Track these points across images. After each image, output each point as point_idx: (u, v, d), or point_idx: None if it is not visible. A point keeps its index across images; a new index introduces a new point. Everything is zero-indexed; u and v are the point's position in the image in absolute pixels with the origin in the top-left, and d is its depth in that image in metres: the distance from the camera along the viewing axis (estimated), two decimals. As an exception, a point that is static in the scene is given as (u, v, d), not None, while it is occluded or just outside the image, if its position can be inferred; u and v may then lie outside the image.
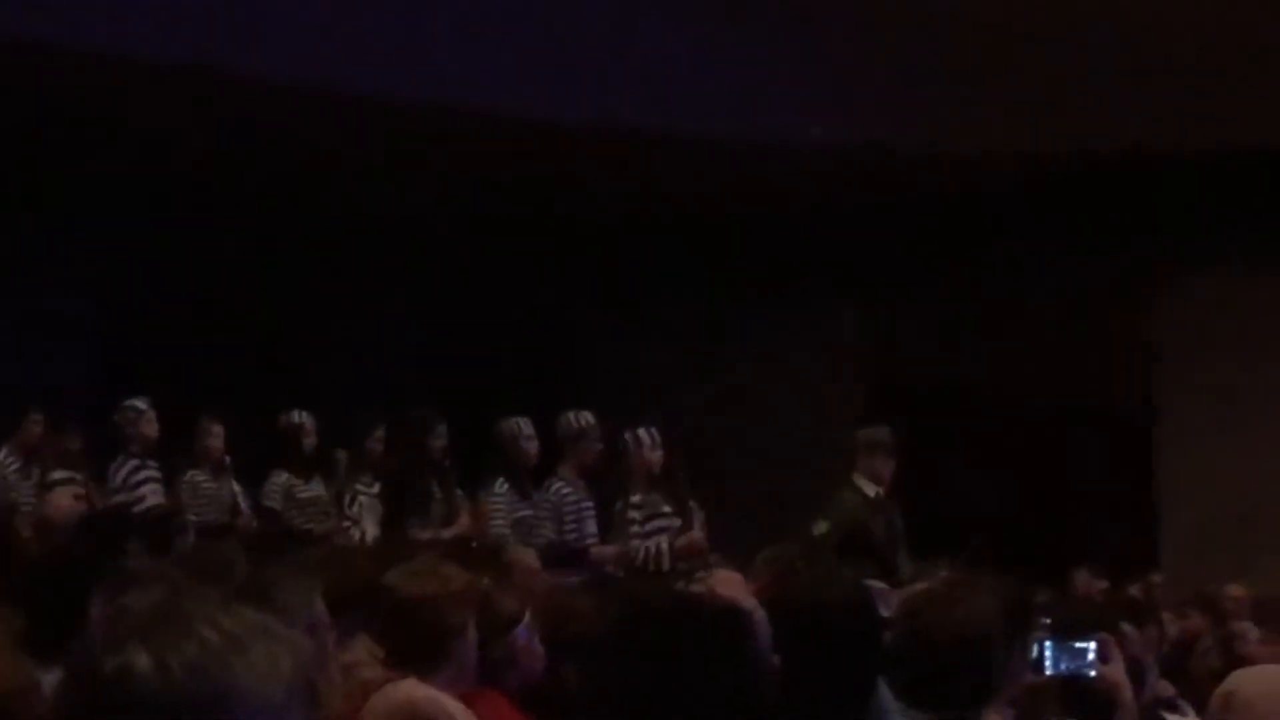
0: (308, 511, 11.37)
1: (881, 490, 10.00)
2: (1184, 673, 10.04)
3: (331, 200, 15.09)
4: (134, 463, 10.74)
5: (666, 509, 10.20)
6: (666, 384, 16.90)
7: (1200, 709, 8.30)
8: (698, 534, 10.20)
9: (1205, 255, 15.27)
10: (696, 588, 4.82)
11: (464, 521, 10.47)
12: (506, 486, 10.52)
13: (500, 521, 10.40)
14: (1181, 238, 15.18)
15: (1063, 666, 4.67)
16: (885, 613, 8.60)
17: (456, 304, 16.70)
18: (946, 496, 14.67)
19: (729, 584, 4.83)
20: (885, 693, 3.61)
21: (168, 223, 14.54)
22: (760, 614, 3.43)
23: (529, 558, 8.63)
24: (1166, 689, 8.08)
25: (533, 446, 10.62)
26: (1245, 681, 8.47)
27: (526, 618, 5.63)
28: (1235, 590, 12.09)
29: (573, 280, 17.03)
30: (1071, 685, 4.83)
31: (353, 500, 11.20)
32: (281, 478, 11.51)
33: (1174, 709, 7.95)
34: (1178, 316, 15.74)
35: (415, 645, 4.84)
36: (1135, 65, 13.33)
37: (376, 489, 11.20)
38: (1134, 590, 12.29)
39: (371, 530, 10.86)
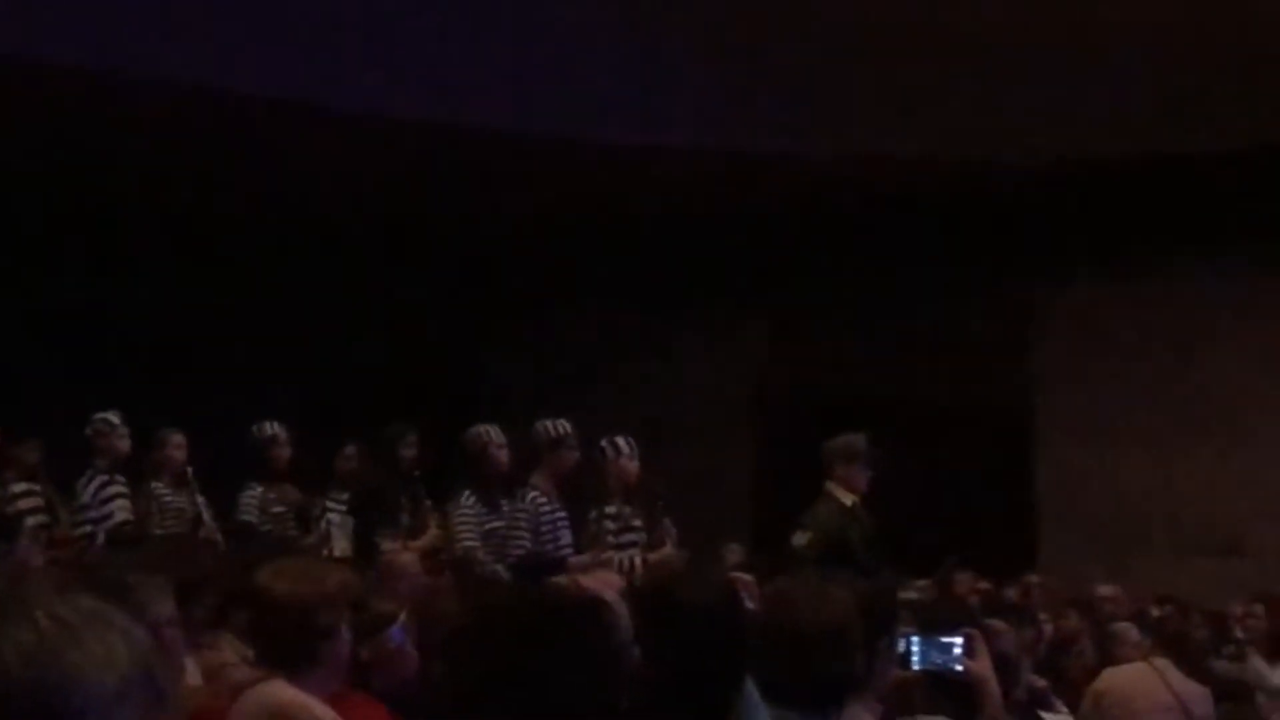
0: (282, 525, 11.06)
1: (858, 499, 9.85)
2: (1060, 672, 10.17)
3: (234, 199, 14.94)
4: (102, 478, 10.43)
5: (637, 522, 10.09)
6: (572, 390, 16.90)
7: (1074, 707, 8.42)
8: (670, 551, 10.13)
9: (1082, 264, 15.49)
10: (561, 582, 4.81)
11: (432, 533, 10.25)
12: (474, 499, 10.33)
13: (469, 534, 10.19)
14: (1060, 247, 15.39)
15: (930, 662, 4.69)
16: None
17: (352, 310, 16.55)
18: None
19: (599, 580, 4.82)
20: (753, 691, 3.62)
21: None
22: (621, 608, 3.42)
23: (407, 559, 8.54)
24: (1040, 685, 8.16)
25: (503, 455, 10.42)
26: (1116, 680, 8.65)
27: (401, 619, 5.60)
28: (1111, 591, 12.23)
29: (479, 286, 17.00)
30: (939, 680, 4.85)
31: (322, 515, 11.00)
32: (256, 491, 11.17)
33: (1047, 706, 8.06)
34: (1056, 322, 15.94)
35: (284, 646, 4.77)
36: (1017, 75, 13.45)
37: (346, 504, 10.98)
38: (1012, 591, 12.40)
39: (342, 545, 10.59)
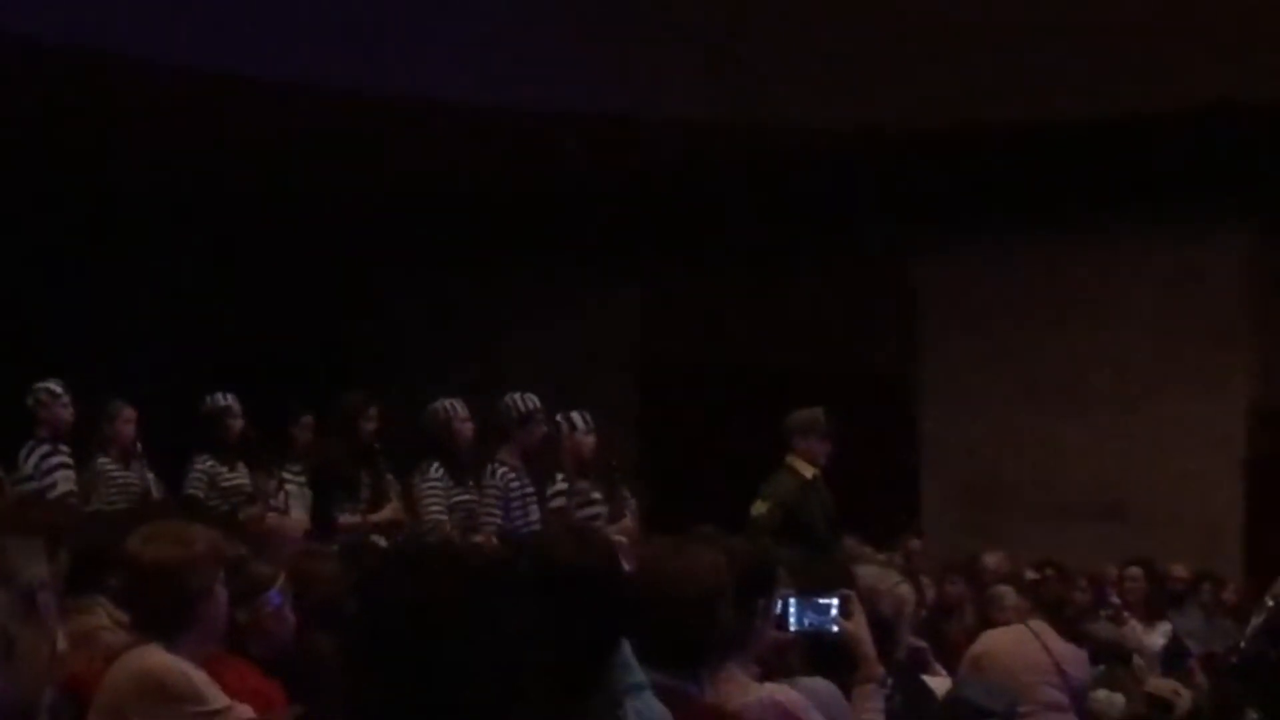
0: (231, 500, 10.55)
1: (818, 472, 9.85)
2: (942, 635, 10.27)
3: (131, 168, 14.73)
4: (45, 448, 10.08)
5: (596, 495, 10.00)
6: (450, 358, 16.88)
7: (954, 669, 8.49)
8: (630, 523, 10.06)
9: (964, 229, 15.60)
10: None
11: (393, 505, 10.05)
12: (441, 471, 10.10)
13: (436, 506, 9.98)
14: (942, 211, 15.49)
15: (806, 622, 4.71)
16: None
17: (224, 278, 16.39)
18: (714, 465, 14.83)
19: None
20: (627, 652, 3.62)
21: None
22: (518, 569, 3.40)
23: (289, 524, 8.46)
24: (919, 647, 8.22)
25: (468, 429, 10.22)
26: (993, 642, 8.73)
27: (280, 582, 5.56)
28: (993, 557, 12.35)
29: (361, 255, 16.90)
30: (815, 640, 4.88)
31: (279, 488, 10.64)
32: (206, 463, 10.67)
33: (926, 668, 8.11)
34: (937, 290, 16.07)
35: (158, 611, 4.73)
36: (898, 44, 13.51)
37: (304, 477, 10.66)
38: (894, 556, 12.49)
39: (300, 518, 10.29)
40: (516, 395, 10.17)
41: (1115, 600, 11.46)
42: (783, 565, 6.54)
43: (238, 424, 10.76)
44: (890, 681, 6.59)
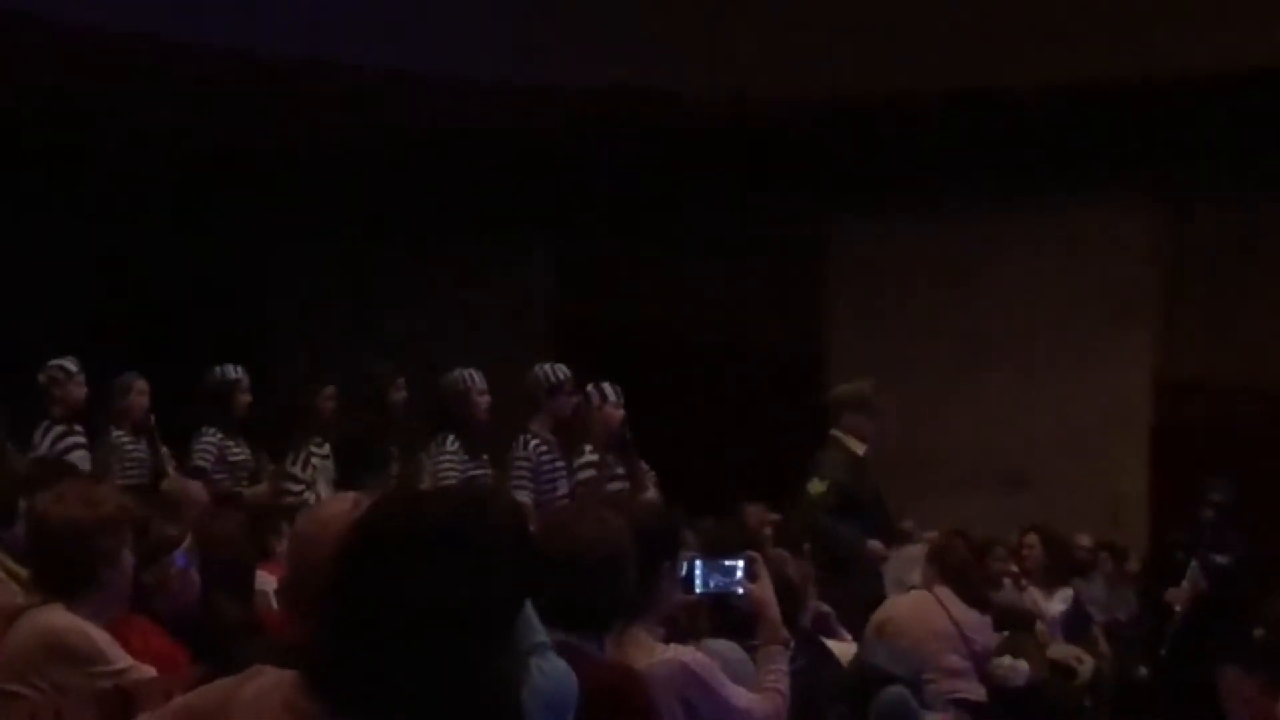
0: (237, 474, 10.37)
1: (866, 448, 9.68)
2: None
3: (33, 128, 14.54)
4: (60, 428, 9.81)
5: (620, 470, 9.80)
6: (366, 318, 16.84)
7: (859, 634, 8.57)
8: (652, 494, 9.82)
9: (873, 201, 15.69)
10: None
11: (425, 482, 9.69)
12: (458, 444, 9.84)
13: (453, 479, 9.65)
14: (851, 183, 15.57)
15: (712, 585, 4.74)
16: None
17: (124, 242, 16.18)
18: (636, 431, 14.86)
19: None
20: (530, 613, 3.65)
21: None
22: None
23: (194, 487, 8.39)
24: (824, 612, 8.30)
25: (485, 401, 9.98)
26: (897, 608, 8.82)
27: (186, 544, 5.55)
28: (908, 525, 12.43)
29: (272, 216, 16.79)
30: (721, 602, 4.92)
31: (305, 463, 10.25)
32: (214, 437, 10.40)
33: (831, 633, 8.19)
34: (843, 258, 16.16)
35: (62, 571, 4.71)
36: (803, 10, 13.55)
37: (327, 449, 10.27)
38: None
39: (325, 493, 9.83)
40: (546, 366, 9.96)
41: (1012, 569, 11.56)
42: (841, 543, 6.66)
43: (246, 398, 10.51)
44: (794, 645, 6.67)
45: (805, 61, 13.80)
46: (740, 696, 4.44)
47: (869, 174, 15.42)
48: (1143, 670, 11.01)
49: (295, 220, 16.96)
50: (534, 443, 9.68)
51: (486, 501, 2.49)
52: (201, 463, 10.26)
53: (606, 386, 9.86)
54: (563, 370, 9.94)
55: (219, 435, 10.38)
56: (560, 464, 9.74)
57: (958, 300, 15.64)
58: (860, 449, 9.69)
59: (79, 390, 9.94)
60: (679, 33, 13.42)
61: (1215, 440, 14.39)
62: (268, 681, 2.51)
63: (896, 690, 7.58)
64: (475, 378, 10.08)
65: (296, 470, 10.14)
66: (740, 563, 4.77)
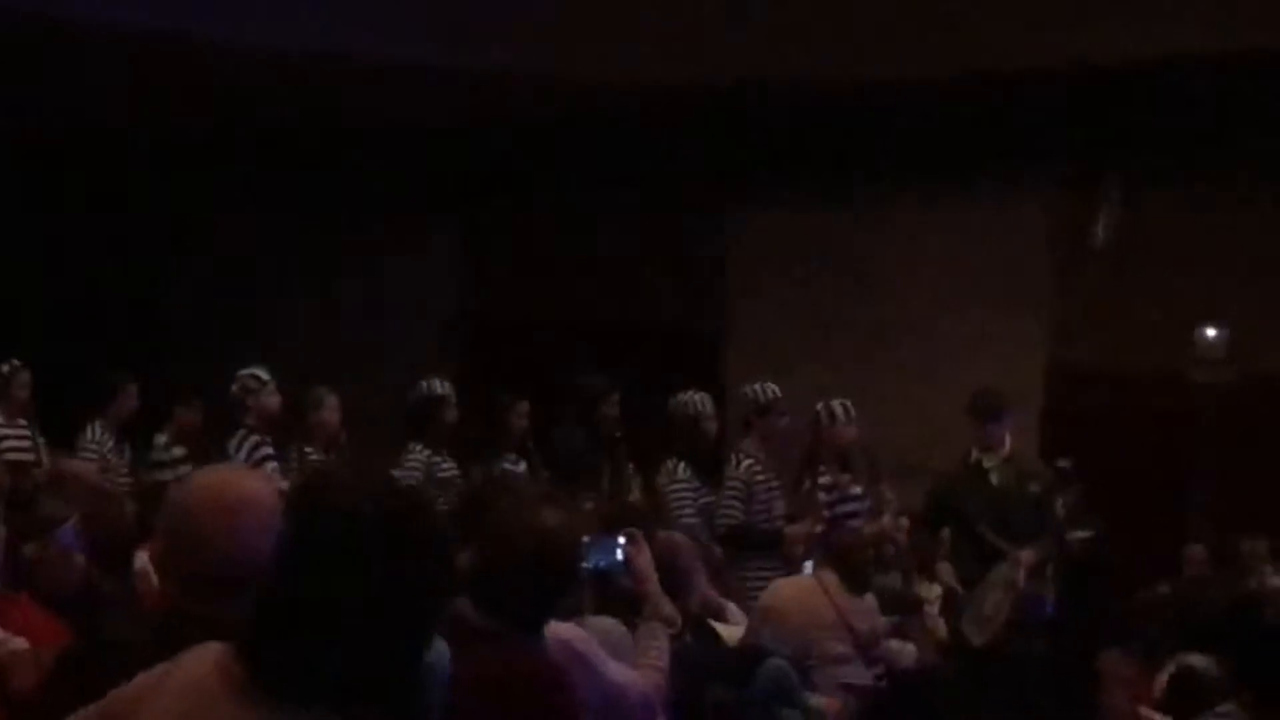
0: (447, 493, 9.80)
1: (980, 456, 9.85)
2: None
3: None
4: (255, 439, 9.66)
5: (857, 490, 9.77)
6: (274, 300, 16.75)
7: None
8: (888, 521, 9.90)
9: (777, 187, 15.76)
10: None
11: (635, 498, 9.66)
12: (690, 471, 9.70)
13: (688, 510, 9.55)
14: (756, 169, 15.64)
15: (595, 562, 4.78)
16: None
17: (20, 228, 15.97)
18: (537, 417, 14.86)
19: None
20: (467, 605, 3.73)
21: None
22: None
23: (80, 466, 8.34)
24: (713, 595, 8.35)
25: (713, 428, 9.88)
26: (782, 594, 8.89)
27: (72, 522, 5.53)
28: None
29: (172, 202, 16.65)
30: (604, 579, 4.96)
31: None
32: (422, 454, 10.14)
33: (721, 616, 8.24)
34: (746, 245, 16.22)
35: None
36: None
37: (523, 467, 10.14)
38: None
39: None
40: (757, 385, 9.92)
41: (890, 553, 11.65)
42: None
43: (453, 413, 10.26)
44: (681, 623, 6.73)
45: (707, 46, 13.83)
46: (619, 673, 4.48)
47: (770, 159, 15.49)
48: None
49: (197, 203, 16.86)
50: (747, 463, 9.64)
51: (417, 501, 2.56)
52: (410, 481, 9.73)
53: (836, 405, 9.87)
54: (773, 389, 9.92)
55: (427, 452, 10.12)
56: (776, 484, 9.69)
57: (857, 286, 15.72)
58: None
59: (273, 401, 9.83)
60: (590, 20, 13.42)
61: (1104, 426, 14.58)
62: (207, 650, 2.56)
63: (778, 663, 7.65)
64: (705, 403, 9.99)
65: None
66: (621, 540, 4.81)
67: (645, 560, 4.73)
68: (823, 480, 9.68)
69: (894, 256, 15.58)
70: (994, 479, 9.53)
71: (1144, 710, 7.42)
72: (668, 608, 4.90)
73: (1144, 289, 15.00)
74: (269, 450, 9.68)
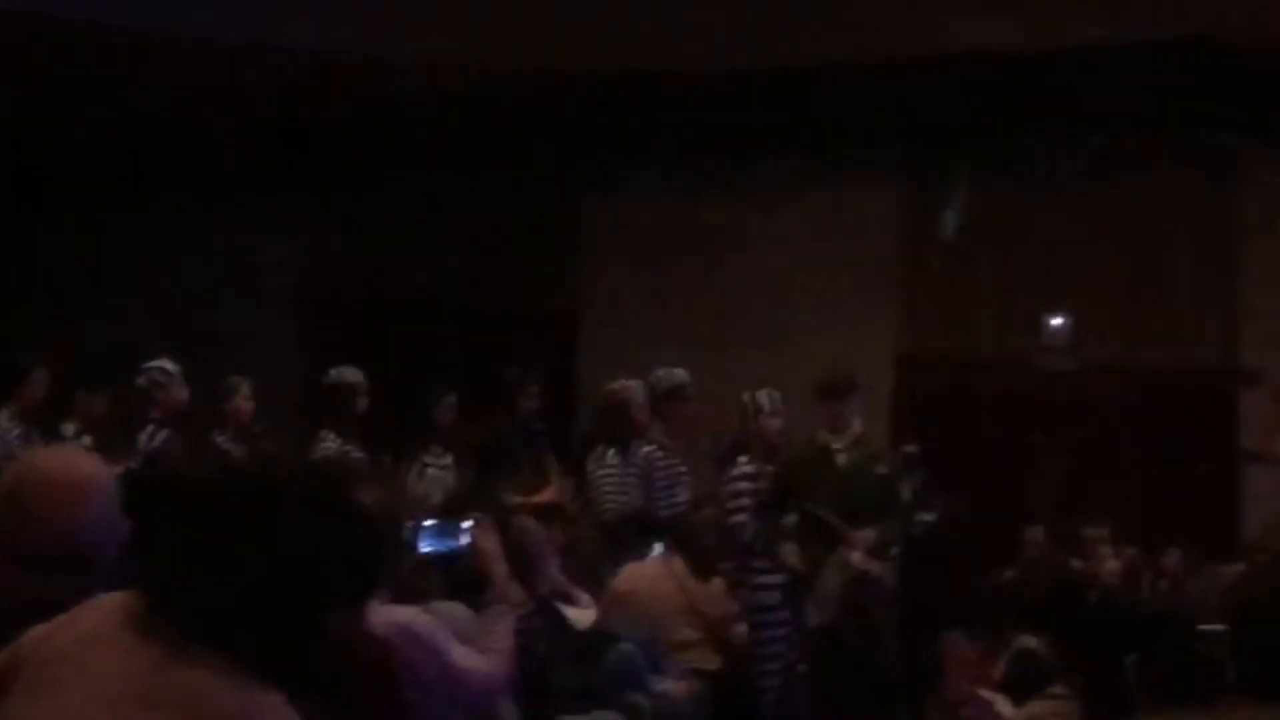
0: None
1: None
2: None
3: None
4: (165, 432, 9.58)
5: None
6: (113, 297, 16.53)
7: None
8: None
9: (629, 167, 15.82)
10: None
11: (553, 486, 9.70)
12: (619, 458, 9.63)
13: (618, 496, 9.53)
14: (606, 155, 15.68)
15: (439, 546, 4.80)
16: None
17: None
18: (379, 403, 14.81)
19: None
20: None
21: None
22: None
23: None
24: (562, 581, 8.39)
25: (644, 415, 9.72)
26: (631, 579, 8.94)
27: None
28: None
29: (15, 180, 16.37)
30: (449, 563, 4.98)
31: (420, 474, 10.10)
32: (334, 442, 10.02)
33: (570, 600, 8.29)
34: (600, 227, 16.26)
35: None
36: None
37: (448, 460, 10.12)
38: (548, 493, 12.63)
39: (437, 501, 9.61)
40: (661, 370, 9.91)
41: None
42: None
43: (364, 401, 10.17)
44: (531, 606, 6.77)
45: (558, 31, 13.85)
46: (463, 656, 4.50)
47: (623, 144, 15.54)
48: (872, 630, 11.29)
49: (48, 192, 16.60)
50: (646, 450, 9.59)
51: (347, 479, 2.60)
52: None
53: (762, 395, 9.83)
54: (679, 374, 9.96)
55: (337, 441, 10.02)
56: (680, 469, 9.65)
57: (710, 272, 15.81)
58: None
59: (180, 392, 9.80)
60: (448, 5, 13.38)
61: (951, 411, 14.80)
62: (110, 596, 2.62)
63: (625, 648, 7.71)
64: (637, 391, 9.88)
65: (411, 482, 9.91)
66: (466, 525, 4.83)
67: (491, 545, 4.75)
68: (748, 469, 9.65)
69: (745, 240, 15.69)
70: (840, 460, 9.38)
71: (984, 692, 7.54)
72: (514, 591, 4.93)
73: (990, 277, 15.24)
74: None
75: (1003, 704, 7.16)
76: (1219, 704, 3.60)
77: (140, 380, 9.83)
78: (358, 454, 9.97)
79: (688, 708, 8.23)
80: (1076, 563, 11.38)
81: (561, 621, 7.67)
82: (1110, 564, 11.47)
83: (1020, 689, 6.80)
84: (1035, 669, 6.65)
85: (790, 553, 9.00)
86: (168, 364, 9.91)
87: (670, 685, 8.24)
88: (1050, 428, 14.82)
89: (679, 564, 8.86)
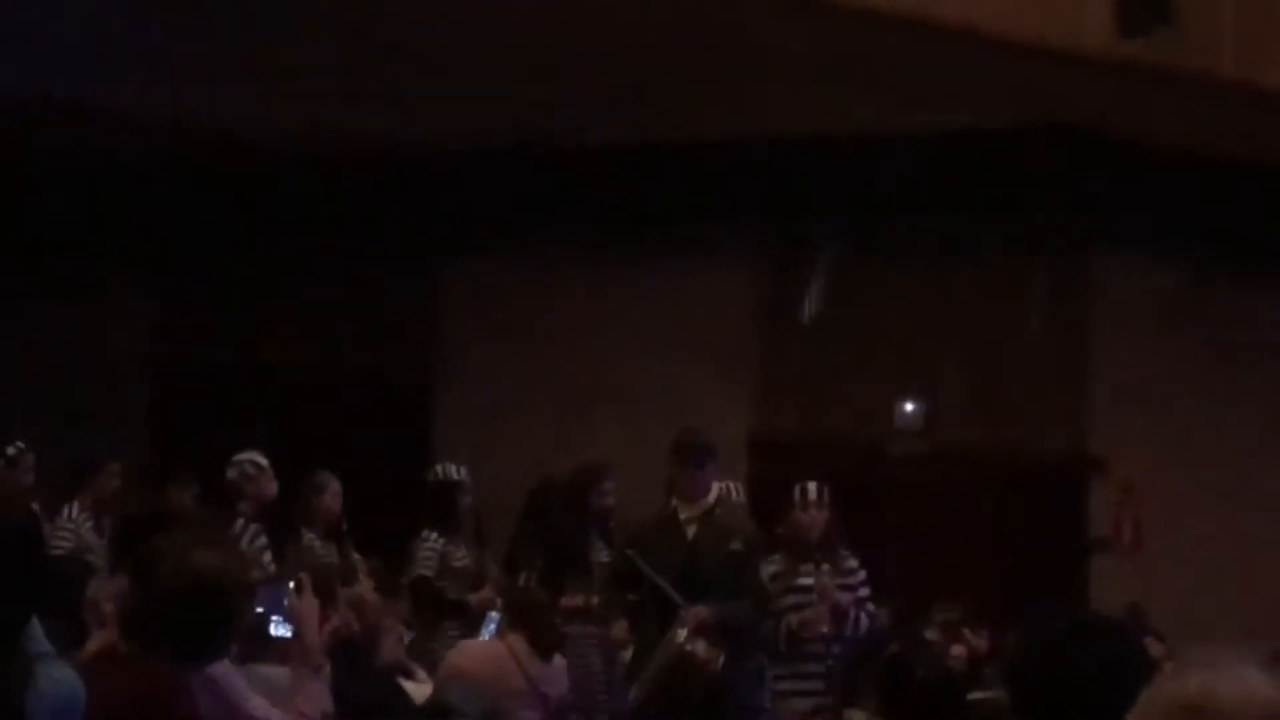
0: (460, 582, 10.02)
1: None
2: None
3: None
4: (254, 527, 9.48)
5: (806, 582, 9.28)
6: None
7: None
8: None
9: (488, 246, 15.79)
10: None
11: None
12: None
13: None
14: (467, 224, 15.65)
15: (269, 607, 4.78)
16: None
17: None
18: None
19: None
20: (36, 624, 3.71)
21: None
22: None
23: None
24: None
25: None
26: (467, 658, 8.64)
27: None
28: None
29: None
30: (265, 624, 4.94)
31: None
32: (437, 542, 10.11)
33: (408, 674, 8.22)
34: (459, 299, 16.20)
35: None
36: (438, 60, 13.58)
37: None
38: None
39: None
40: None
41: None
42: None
43: (468, 500, 10.31)
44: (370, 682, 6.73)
45: (427, 106, 13.84)
46: (259, 708, 4.50)
47: (485, 218, 15.52)
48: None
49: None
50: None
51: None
52: (424, 571, 10.04)
53: (810, 488, 9.62)
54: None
55: (441, 540, 10.13)
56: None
57: (568, 349, 15.79)
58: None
59: (270, 487, 9.77)
60: (289, 70, 13.31)
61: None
62: None
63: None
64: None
65: None
66: (290, 584, 4.80)
67: (306, 606, 4.73)
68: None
69: (602, 317, 15.69)
70: (689, 532, 8.88)
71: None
72: (317, 655, 4.91)
73: (846, 360, 15.34)
74: (264, 540, 9.55)
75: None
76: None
77: (231, 473, 9.75)
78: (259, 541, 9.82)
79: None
80: (928, 639, 11.37)
81: (398, 691, 7.61)
82: (955, 648, 11.50)
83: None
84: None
85: (619, 629, 8.81)
86: (258, 456, 9.82)
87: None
88: (901, 510, 14.90)
89: (519, 643, 8.53)
